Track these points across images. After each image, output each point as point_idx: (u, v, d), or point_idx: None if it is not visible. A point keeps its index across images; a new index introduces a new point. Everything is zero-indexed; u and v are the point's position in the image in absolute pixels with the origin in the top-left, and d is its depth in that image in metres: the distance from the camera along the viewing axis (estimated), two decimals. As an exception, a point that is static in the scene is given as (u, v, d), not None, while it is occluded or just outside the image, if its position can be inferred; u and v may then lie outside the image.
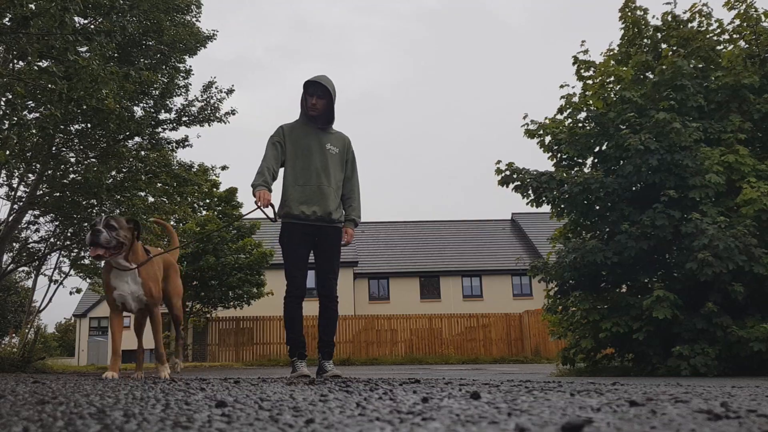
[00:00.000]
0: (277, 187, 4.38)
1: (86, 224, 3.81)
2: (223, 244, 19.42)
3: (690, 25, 8.81)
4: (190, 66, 12.93)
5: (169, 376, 3.90)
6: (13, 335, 12.86)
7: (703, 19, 8.79)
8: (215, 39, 13.09)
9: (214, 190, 20.31)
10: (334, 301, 4.45)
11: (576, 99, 8.80)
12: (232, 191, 21.17)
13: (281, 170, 4.43)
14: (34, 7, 6.68)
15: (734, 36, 8.72)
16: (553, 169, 8.82)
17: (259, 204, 4.03)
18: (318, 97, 4.35)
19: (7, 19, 6.87)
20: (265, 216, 4.13)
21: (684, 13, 8.86)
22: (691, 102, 7.91)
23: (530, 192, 8.55)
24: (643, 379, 5.60)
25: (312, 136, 4.39)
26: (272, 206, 4.13)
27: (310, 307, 4.49)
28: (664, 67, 8.04)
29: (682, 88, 7.90)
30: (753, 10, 8.51)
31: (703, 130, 7.85)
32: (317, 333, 4.50)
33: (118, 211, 12.26)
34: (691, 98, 7.90)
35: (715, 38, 8.70)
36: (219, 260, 19.17)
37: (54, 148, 11.44)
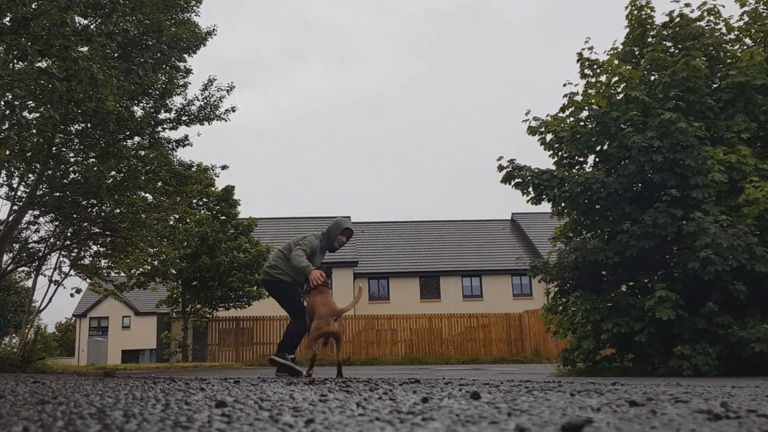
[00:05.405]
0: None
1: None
2: (219, 244, 19.34)
3: (697, 23, 8.77)
4: (190, 65, 12.90)
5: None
6: (13, 335, 12.84)
7: (711, 17, 8.76)
8: (215, 34, 13.01)
9: (211, 189, 20.08)
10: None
11: (579, 98, 8.77)
12: (229, 189, 21.03)
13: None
14: (35, 7, 6.66)
15: (741, 35, 8.69)
16: (554, 167, 8.80)
17: (320, 281, 5.31)
18: (347, 237, 5.86)
19: (7, 19, 6.86)
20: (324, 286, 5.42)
21: (691, 12, 8.84)
22: (699, 105, 7.87)
23: (531, 190, 8.52)
24: (644, 379, 5.60)
25: (320, 256, 5.87)
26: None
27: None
28: (675, 68, 7.98)
29: (695, 90, 7.86)
30: (763, 5, 8.47)
31: (706, 128, 7.83)
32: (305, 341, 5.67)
33: (117, 210, 12.23)
34: (701, 100, 7.86)
35: (722, 36, 8.67)
36: (214, 260, 19.08)
37: (54, 148, 11.42)
